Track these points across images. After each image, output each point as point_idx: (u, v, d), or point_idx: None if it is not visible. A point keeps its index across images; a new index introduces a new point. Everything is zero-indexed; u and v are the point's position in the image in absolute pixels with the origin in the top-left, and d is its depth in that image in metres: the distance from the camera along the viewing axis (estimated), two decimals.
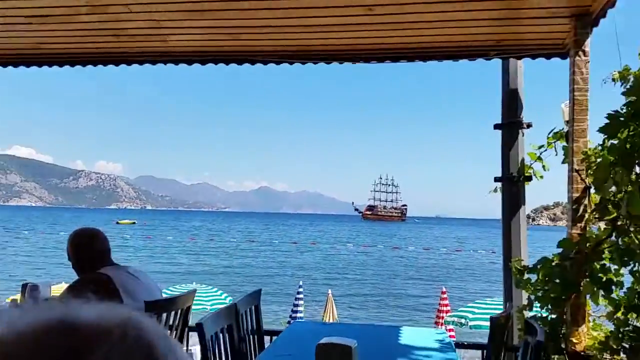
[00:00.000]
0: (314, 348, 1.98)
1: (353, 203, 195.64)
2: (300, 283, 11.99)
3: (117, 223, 79.97)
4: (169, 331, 2.90)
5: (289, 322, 10.34)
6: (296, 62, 3.88)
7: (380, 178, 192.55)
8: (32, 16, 3.29)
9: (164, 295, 3.21)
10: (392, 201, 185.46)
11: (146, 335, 0.43)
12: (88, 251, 2.77)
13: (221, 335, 2.68)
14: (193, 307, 3.26)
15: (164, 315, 2.84)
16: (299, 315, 10.73)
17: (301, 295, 11.29)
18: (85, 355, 0.39)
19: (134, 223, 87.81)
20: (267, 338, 3.49)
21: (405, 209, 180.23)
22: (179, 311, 2.99)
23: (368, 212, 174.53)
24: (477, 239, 72.07)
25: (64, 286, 3.94)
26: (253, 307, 3.30)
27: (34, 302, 0.45)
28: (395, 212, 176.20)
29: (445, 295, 10.94)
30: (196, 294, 3.41)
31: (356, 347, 1.97)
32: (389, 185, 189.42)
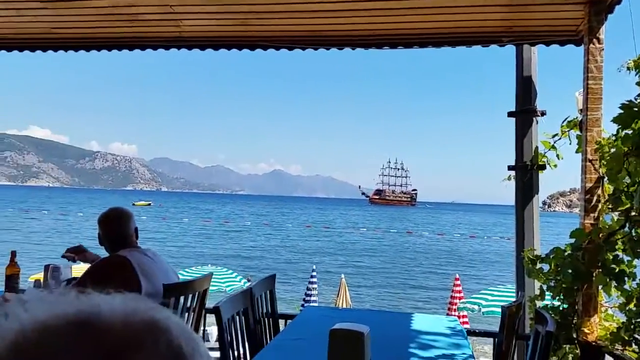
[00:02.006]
0: (327, 333, 2.04)
1: (360, 187, 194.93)
2: (314, 267, 12.11)
3: (133, 205, 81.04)
4: (186, 313, 2.98)
5: (302, 307, 10.49)
6: (309, 47, 3.88)
7: (389, 162, 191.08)
8: (46, 1, 3.33)
9: (180, 278, 3.30)
10: (401, 185, 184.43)
11: (175, 339, 0.43)
12: (115, 231, 2.86)
13: (237, 318, 2.75)
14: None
15: (182, 298, 2.92)
16: (312, 299, 10.86)
17: (314, 280, 11.42)
18: None
19: (149, 204, 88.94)
20: (281, 322, 3.57)
21: (415, 193, 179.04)
22: (196, 294, 3.07)
23: (375, 197, 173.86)
24: (493, 225, 71.69)
25: (83, 267, 4.04)
26: (268, 292, 3.37)
27: (58, 292, 0.45)
28: (405, 197, 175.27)
29: (458, 282, 10.98)
30: (212, 276, 3.49)
31: (368, 333, 2.02)
32: (398, 169, 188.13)
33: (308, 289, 11.28)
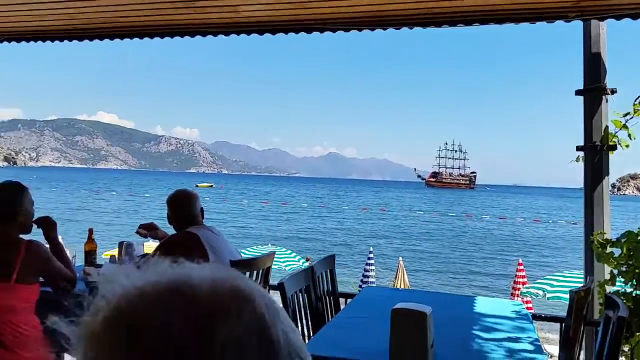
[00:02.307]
0: (388, 312, 2.06)
1: (415, 169, 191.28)
2: (371, 249, 12.13)
3: (196, 186, 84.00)
4: None
5: (360, 287, 10.56)
6: (365, 28, 3.83)
7: (446, 144, 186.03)
8: None
9: (243, 256, 3.42)
10: (459, 168, 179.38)
11: (259, 308, 0.46)
12: (183, 211, 3.01)
13: (300, 295, 2.83)
14: None
15: (247, 274, 3.04)
16: (369, 281, 10.90)
17: (372, 262, 11.44)
18: (210, 335, 0.42)
19: (211, 186, 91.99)
20: (341, 300, 3.63)
21: (474, 176, 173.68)
22: (261, 271, 3.18)
23: (432, 179, 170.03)
24: (558, 209, 68.68)
25: (153, 245, 4.27)
26: (328, 271, 3.43)
27: (154, 262, 0.49)
28: (463, 180, 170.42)
29: (521, 267, 10.65)
30: (275, 254, 3.59)
31: (431, 314, 2.03)
32: (456, 151, 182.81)
33: (365, 270, 11.32)
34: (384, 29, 3.86)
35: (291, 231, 33.89)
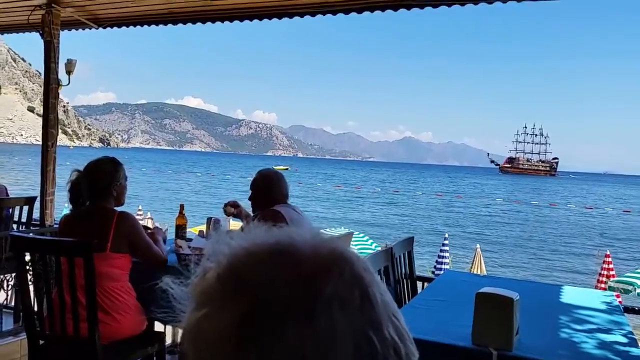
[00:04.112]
0: (470, 297, 2.02)
1: (489, 155, 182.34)
2: (446, 235, 11.87)
3: (274, 168, 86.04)
4: None
5: (433, 273, 10.40)
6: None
7: (525, 127, 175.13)
8: None
9: None
10: (539, 153, 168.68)
11: (357, 269, 0.47)
12: (271, 190, 3.13)
13: (378, 276, 2.85)
14: None
15: None
16: (444, 267, 10.70)
17: (447, 248, 11.20)
18: (315, 290, 0.44)
19: (287, 169, 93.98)
20: (418, 284, 3.60)
21: (556, 162, 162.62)
22: None
23: (507, 165, 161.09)
24: None
25: (235, 223, 4.44)
26: (407, 253, 3.42)
27: (259, 226, 0.50)
28: (543, 166, 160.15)
29: (609, 259, 9.96)
30: (352, 235, 3.63)
31: (518, 300, 1.97)
32: (536, 135, 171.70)
33: (439, 256, 11.11)
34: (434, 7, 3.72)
35: (364, 216, 33.87)
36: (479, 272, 10.57)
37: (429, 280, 3.60)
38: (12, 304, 4.41)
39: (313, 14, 4.10)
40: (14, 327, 4.16)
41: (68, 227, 2.79)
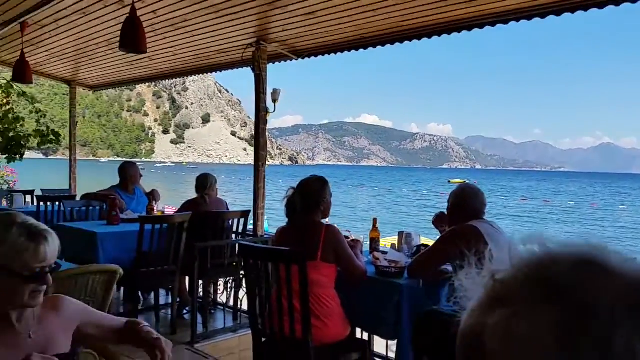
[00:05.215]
0: None
1: None
2: None
3: (449, 182, 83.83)
4: None
5: None
6: None
7: None
8: None
9: None
10: None
11: None
12: (465, 205, 3.09)
13: None
14: None
15: None
16: None
17: None
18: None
19: (464, 182, 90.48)
20: None
21: None
22: None
23: None
24: None
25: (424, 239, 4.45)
26: None
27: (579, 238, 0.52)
28: None
29: None
30: None
31: None
32: None
33: None
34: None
35: (559, 233, 30.55)
36: None
37: None
38: (231, 303, 5.04)
39: (506, 22, 3.95)
40: (233, 324, 4.77)
41: (283, 237, 3.15)
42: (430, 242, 3.84)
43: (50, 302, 1.60)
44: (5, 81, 8.12)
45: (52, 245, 1.48)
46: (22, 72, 5.35)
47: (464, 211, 3.08)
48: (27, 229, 1.45)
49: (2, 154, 8.27)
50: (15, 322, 1.48)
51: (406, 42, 4.46)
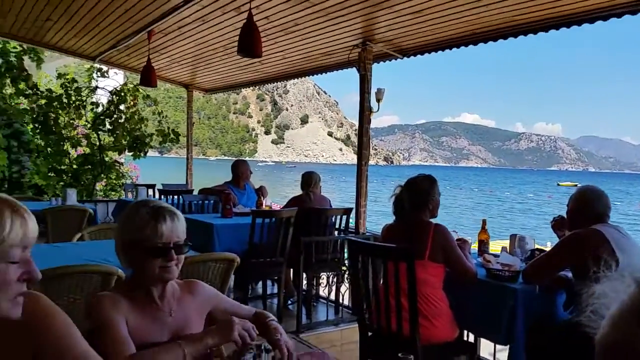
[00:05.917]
0: None
1: None
2: None
3: (558, 185, 78.29)
4: None
5: None
6: None
7: None
8: None
9: None
10: None
11: None
12: (586, 208, 2.91)
13: None
14: None
15: None
16: None
17: None
18: None
19: (575, 185, 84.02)
20: None
21: None
22: None
23: None
24: None
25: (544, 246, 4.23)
26: None
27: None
28: None
29: None
30: None
31: None
32: None
33: None
34: None
35: None
36: None
37: None
38: (332, 297, 5.16)
39: (619, 16, 3.66)
40: (335, 318, 4.88)
41: (390, 234, 3.17)
42: (543, 248, 3.65)
43: (187, 285, 1.75)
44: (132, 85, 9.01)
45: (173, 225, 1.58)
46: (148, 76, 5.90)
47: (585, 215, 2.89)
48: (152, 209, 1.58)
49: (128, 151, 9.19)
50: (157, 299, 1.62)
51: (520, 37, 4.27)
